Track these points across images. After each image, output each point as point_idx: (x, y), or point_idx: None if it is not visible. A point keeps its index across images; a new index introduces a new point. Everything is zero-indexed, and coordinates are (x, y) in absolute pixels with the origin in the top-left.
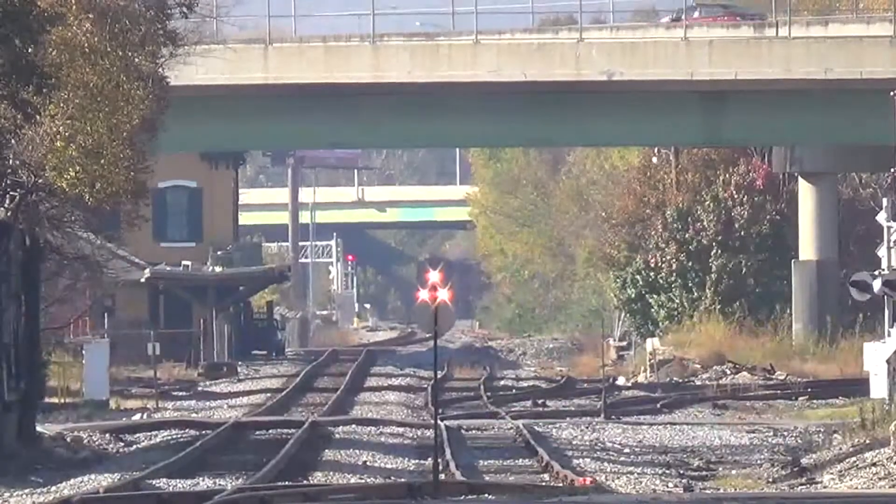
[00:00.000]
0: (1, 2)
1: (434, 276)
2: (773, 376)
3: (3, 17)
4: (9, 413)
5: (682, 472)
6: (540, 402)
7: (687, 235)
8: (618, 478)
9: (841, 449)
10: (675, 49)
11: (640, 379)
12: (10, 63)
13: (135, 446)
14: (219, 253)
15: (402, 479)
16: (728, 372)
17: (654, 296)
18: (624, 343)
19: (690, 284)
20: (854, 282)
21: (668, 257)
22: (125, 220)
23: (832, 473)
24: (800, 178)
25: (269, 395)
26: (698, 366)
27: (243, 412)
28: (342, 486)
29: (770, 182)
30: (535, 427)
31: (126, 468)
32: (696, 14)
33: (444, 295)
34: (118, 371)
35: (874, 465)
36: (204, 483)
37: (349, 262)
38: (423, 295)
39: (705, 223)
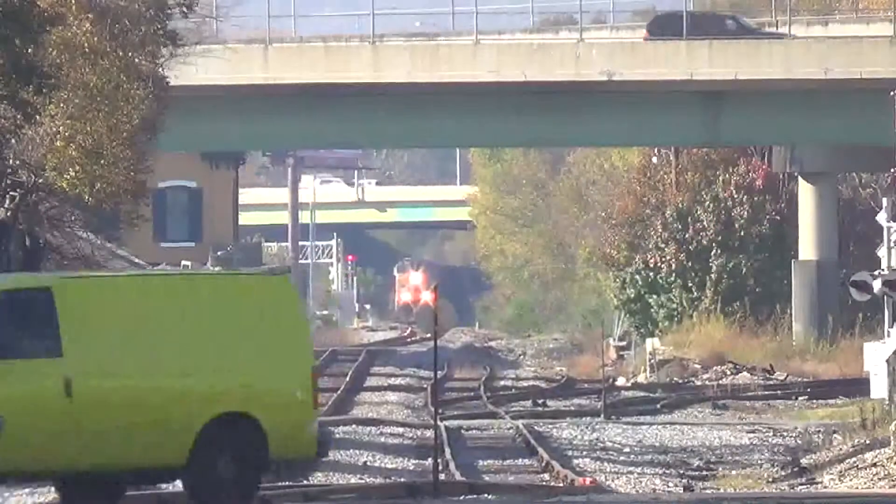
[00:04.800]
0: (1, 2)
1: (415, 277)
2: (773, 376)
3: (3, 17)
4: None
5: (682, 472)
6: (540, 401)
7: (687, 235)
8: (618, 478)
9: (841, 449)
10: (675, 49)
11: (640, 379)
12: (10, 63)
13: None
14: (219, 253)
15: (402, 479)
16: (728, 372)
17: (654, 296)
18: (624, 343)
19: (690, 284)
20: (854, 282)
21: (668, 257)
22: (125, 220)
23: (832, 473)
24: (800, 178)
25: None
26: (698, 366)
27: None
28: (342, 485)
29: (770, 182)
30: (535, 427)
31: None
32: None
33: (427, 297)
34: None
35: (874, 465)
36: None
37: (349, 263)
38: (405, 297)
39: (705, 223)
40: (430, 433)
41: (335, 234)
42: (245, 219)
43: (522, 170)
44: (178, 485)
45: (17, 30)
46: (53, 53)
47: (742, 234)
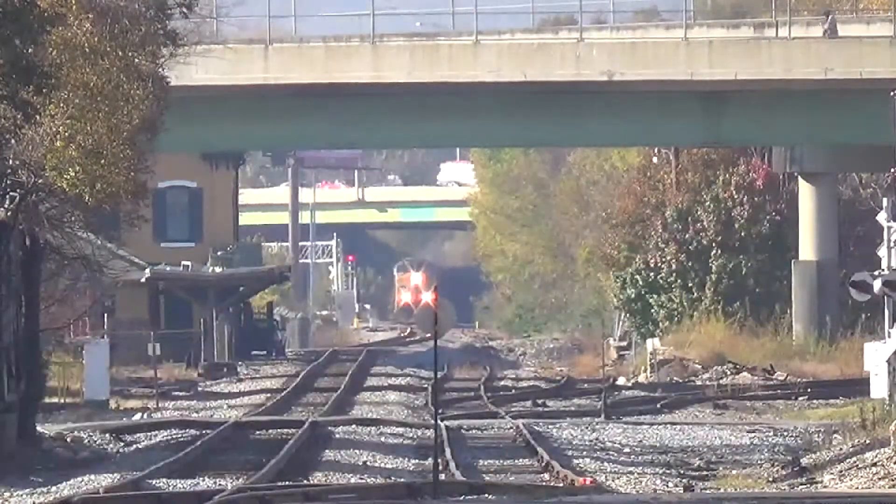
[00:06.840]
0: (1, 2)
1: (416, 277)
2: (774, 376)
3: (3, 17)
4: (9, 413)
5: (682, 472)
6: (540, 402)
7: (687, 235)
8: (618, 478)
9: (841, 449)
10: (675, 49)
11: (641, 379)
12: (10, 63)
13: (135, 446)
14: (219, 253)
15: (402, 479)
16: (728, 372)
17: (654, 296)
18: (624, 343)
19: (690, 284)
20: (854, 282)
21: (668, 257)
22: (125, 220)
23: (832, 473)
24: (800, 178)
25: (269, 395)
26: (698, 366)
27: (243, 412)
28: (342, 486)
29: (770, 182)
30: (535, 427)
31: (126, 468)
32: None
33: (428, 297)
34: (118, 371)
35: (874, 465)
36: (204, 483)
37: (349, 263)
38: (406, 297)
39: (705, 223)
40: (430, 433)
41: (335, 234)
42: (245, 219)
43: (522, 170)
44: (179, 485)
45: (17, 30)
46: (53, 53)
47: (742, 234)
